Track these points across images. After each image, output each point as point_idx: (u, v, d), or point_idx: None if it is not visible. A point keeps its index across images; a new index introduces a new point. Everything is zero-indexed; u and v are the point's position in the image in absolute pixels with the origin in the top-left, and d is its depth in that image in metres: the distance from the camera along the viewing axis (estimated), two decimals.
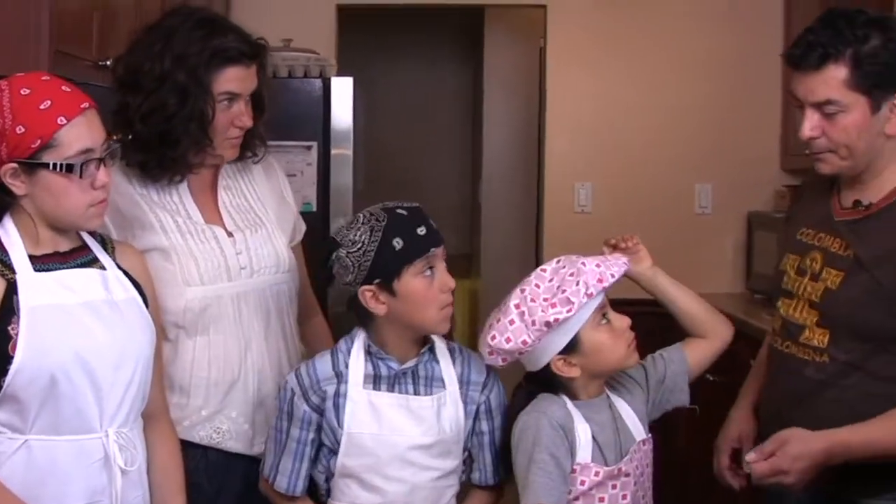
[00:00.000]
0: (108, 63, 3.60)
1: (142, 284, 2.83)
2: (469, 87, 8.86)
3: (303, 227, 3.49)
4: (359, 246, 2.85)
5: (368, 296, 2.89)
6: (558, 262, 2.88)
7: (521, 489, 2.83)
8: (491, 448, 3.04)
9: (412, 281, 2.87)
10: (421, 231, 2.87)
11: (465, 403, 3.00)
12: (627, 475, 2.88)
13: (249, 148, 3.29)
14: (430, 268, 2.89)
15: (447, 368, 3.00)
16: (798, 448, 2.75)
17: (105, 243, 2.82)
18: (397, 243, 2.84)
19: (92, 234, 2.79)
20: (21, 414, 2.59)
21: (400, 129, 8.78)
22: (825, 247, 2.99)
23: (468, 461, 3.05)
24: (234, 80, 3.10)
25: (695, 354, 3.09)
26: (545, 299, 2.81)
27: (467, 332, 8.14)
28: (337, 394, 2.93)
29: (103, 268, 2.75)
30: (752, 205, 6.54)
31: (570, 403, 2.89)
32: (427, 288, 2.89)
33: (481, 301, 7.73)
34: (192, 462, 3.01)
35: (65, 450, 2.63)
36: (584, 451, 2.85)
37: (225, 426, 3.17)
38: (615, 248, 3.10)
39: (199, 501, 2.99)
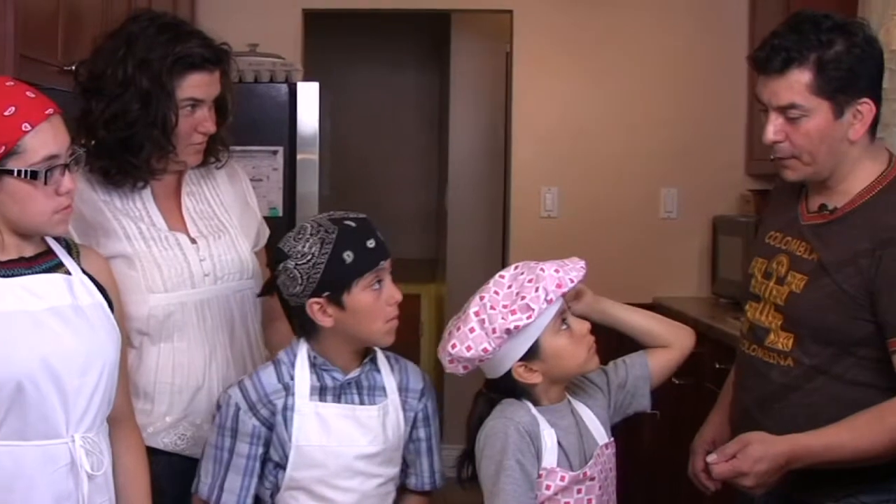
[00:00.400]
0: (73, 68, 3.59)
1: (107, 289, 2.81)
2: (435, 92, 8.85)
3: (266, 233, 3.48)
4: (308, 258, 2.84)
5: (316, 308, 2.89)
6: (516, 268, 2.88)
7: (489, 496, 2.82)
8: (428, 454, 3.07)
9: (361, 294, 2.87)
10: (370, 244, 2.87)
11: (405, 411, 3.01)
12: (592, 479, 2.89)
13: (213, 153, 3.29)
14: (379, 281, 2.89)
15: (388, 377, 3.02)
16: (759, 450, 2.75)
17: (70, 248, 2.81)
18: (348, 256, 2.83)
19: (57, 238, 2.77)
20: None
21: (366, 134, 8.77)
22: (791, 250, 3.00)
23: (404, 467, 3.06)
24: (197, 86, 3.10)
25: (657, 362, 3.09)
26: (504, 306, 2.81)
27: (434, 338, 8.11)
28: (285, 407, 2.91)
29: (68, 273, 2.73)
30: (717, 209, 6.55)
31: (534, 409, 2.89)
32: (375, 301, 2.89)
33: (447, 306, 7.71)
34: (157, 468, 2.99)
35: (31, 455, 2.61)
36: (550, 457, 2.85)
37: (189, 433, 3.16)
38: None
39: None
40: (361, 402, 2.96)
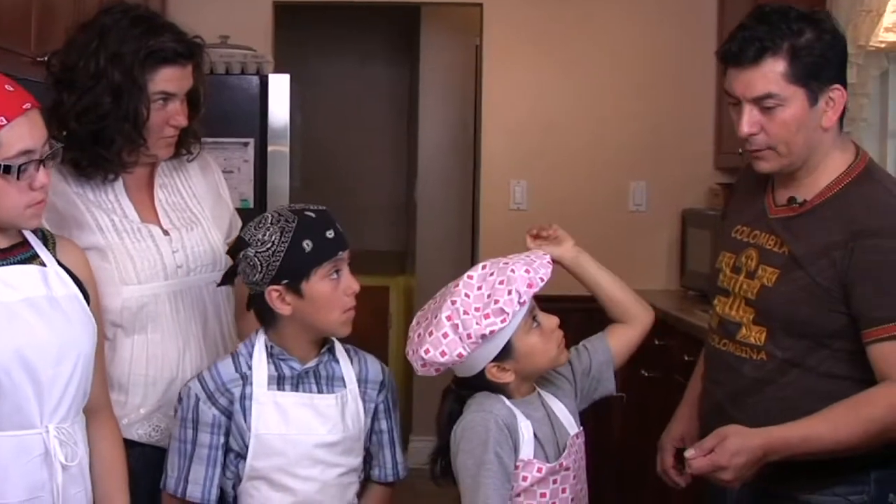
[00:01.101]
0: (46, 59, 3.59)
1: (83, 280, 2.81)
2: (405, 84, 8.84)
3: (239, 224, 3.47)
4: (268, 246, 2.86)
5: (275, 296, 2.91)
6: (484, 267, 2.88)
7: (468, 490, 2.81)
8: (390, 446, 3.10)
9: (319, 283, 2.89)
10: (329, 234, 2.89)
11: (364, 402, 3.04)
12: (567, 469, 2.90)
13: (184, 146, 3.29)
14: (337, 271, 2.92)
15: (346, 368, 3.04)
16: (737, 443, 2.73)
17: (46, 239, 2.81)
18: (307, 245, 2.86)
19: (34, 230, 2.77)
20: None
21: (335, 127, 8.75)
22: (760, 244, 3.00)
23: (366, 459, 3.08)
24: (169, 80, 3.10)
25: (617, 342, 3.10)
26: (477, 309, 2.81)
27: (403, 330, 8.07)
28: (243, 396, 2.94)
29: (43, 264, 2.73)
30: (686, 202, 6.60)
31: (508, 402, 2.90)
32: (333, 290, 2.91)
33: (416, 298, 7.71)
34: (131, 459, 2.98)
35: (4, 445, 2.61)
36: (527, 448, 2.86)
37: (163, 424, 3.16)
38: (537, 237, 3.13)
39: (136, 498, 2.96)
40: (319, 391, 2.98)
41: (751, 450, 2.73)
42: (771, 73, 2.85)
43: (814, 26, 2.87)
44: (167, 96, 3.10)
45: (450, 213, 7.81)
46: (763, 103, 2.87)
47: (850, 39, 4.88)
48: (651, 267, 6.66)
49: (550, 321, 2.92)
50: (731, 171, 6.29)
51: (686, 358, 5.25)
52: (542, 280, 2.83)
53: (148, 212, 3.23)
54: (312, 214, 2.91)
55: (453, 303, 2.83)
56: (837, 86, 2.89)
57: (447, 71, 7.84)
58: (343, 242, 2.93)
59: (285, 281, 2.88)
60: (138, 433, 3.14)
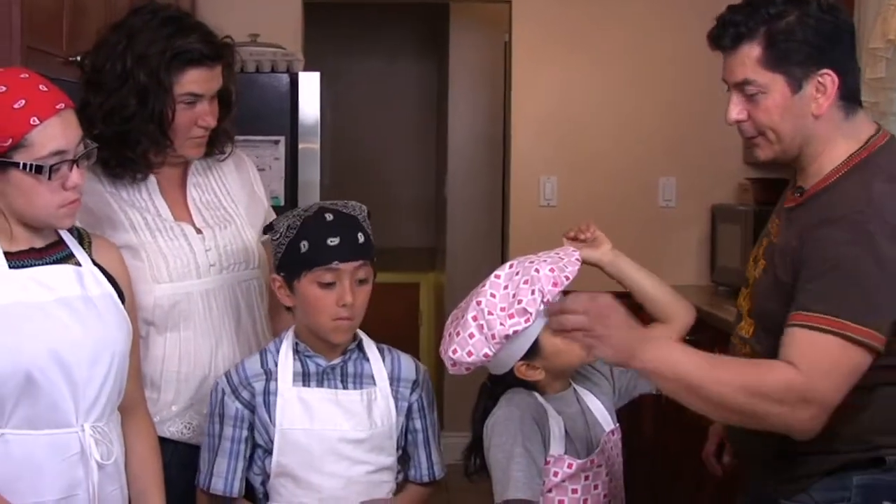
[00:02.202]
0: (79, 59, 3.61)
1: (118, 280, 2.83)
2: (434, 81, 8.84)
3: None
4: (276, 236, 2.91)
5: (277, 285, 2.96)
6: (511, 266, 2.88)
7: (498, 483, 2.82)
8: (425, 445, 3.09)
9: (308, 287, 2.90)
10: (332, 241, 2.87)
11: (396, 400, 3.04)
12: (599, 466, 2.91)
13: (216, 145, 3.30)
14: (333, 281, 2.90)
15: (377, 366, 3.04)
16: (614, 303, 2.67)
17: (82, 238, 2.82)
18: (303, 246, 2.87)
19: (70, 229, 2.78)
20: None
21: (365, 124, 8.76)
22: (771, 233, 2.93)
23: (403, 459, 3.09)
24: (196, 81, 3.11)
25: None
26: (502, 309, 2.81)
27: (433, 326, 8.15)
28: (266, 391, 2.96)
29: (78, 264, 2.75)
30: (715, 198, 6.58)
31: (540, 398, 2.91)
32: (321, 297, 2.90)
33: (447, 295, 7.72)
34: (164, 457, 3.00)
35: (41, 444, 2.63)
36: (558, 444, 2.87)
37: (195, 421, 3.18)
38: (574, 239, 3.11)
39: (170, 496, 2.98)
40: (345, 387, 3.00)
41: (631, 322, 2.68)
42: (747, 60, 2.78)
43: (799, 8, 2.75)
44: (194, 97, 3.11)
45: (479, 210, 7.81)
46: (745, 90, 2.80)
47: (878, 34, 4.87)
48: (681, 262, 6.64)
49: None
50: (760, 166, 6.27)
51: (716, 352, 5.23)
52: (567, 279, 2.82)
53: (181, 210, 3.25)
54: (330, 216, 2.90)
55: (479, 303, 2.83)
56: (827, 70, 2.75)
57: (476, 68, 7.84)
58: (347, 253, 2.90)
59: (283, 274, 2.93)
60: (170, 430, 3.16)
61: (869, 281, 2.61)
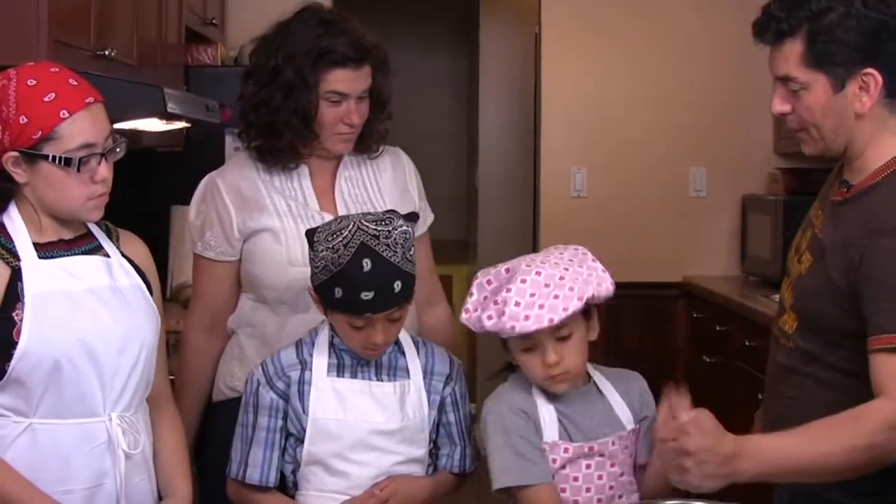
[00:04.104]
0: (107, 53, 3.63)
1: (145, 272, 2.85)
2: (465, 74, 8.83)
3: (429, 219, 3.57)
4: (315, 262, 2.87)
5: (312, 296, 2.94)
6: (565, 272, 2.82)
7: (489, 467, 2.87)
8: (460, 438, 3.08)
9: (341, 322, 2.89)
10: (366, 296, 2.81)
11: (429, 393, 3.03)
12: (602, 455, 2.86)
13: (368, 143, 3.41)
14: (362, 325, 2.88)
15: (412, 359, 3.03)
16: (710, 423, 2.48)
17: (110, 232, 2.85)
18: (337, 292, 2.83)
19: (98, 222, 2.81)
20: (26, 398, 2.61)
21: (396, 117, 8.67)
22: (815, 226, 2.85)
23: (435, 451, 3.08)
24: (340, 81, 3.25)
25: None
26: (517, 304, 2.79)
27: None
28: (301, 381, 2.95)
29: (107, 255, 2.77)
30: (746, 188, 6.57)
31: (534, 387, 2.89)
32: (352, 332, 2.89)
33: None
34: None
35: (68, 433, 2.65)
36: (551, 431, 2.85)
37: None
38: None
39: None
40: (379, 379, 2.99)
41: (720, 439, 2.47)
42: (791, 56, 2.70)
43: (844, 5, 2.66)
44: (340, 96, 3.25)
45: (511, 202, 7.80)
46: (788, 85, 2.73)
47: None
48: (712, 253, 6.61)
49: (550, 357, 2.83)
50: (791, 157, 6.26)
51: (747, 343, 5.22)
52: (532, 327, 2.75)
53: (328, 201, 3.36)
54: (367, 265, 2.81)
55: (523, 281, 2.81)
56: (870, 70, 2.66)
57: (507, 59, 7.83)
58: (380, 306, 2.84)
59: (319, 297, 2.91)
60: None
61: None
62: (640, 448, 2.93)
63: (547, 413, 2.87)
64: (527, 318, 2.74)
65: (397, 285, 2.85)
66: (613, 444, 2.88)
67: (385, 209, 3.25)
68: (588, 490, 2.86)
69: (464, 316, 2.88)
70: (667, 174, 6.65)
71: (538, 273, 2.79)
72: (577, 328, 2.83)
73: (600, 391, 2.96)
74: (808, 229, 2.89)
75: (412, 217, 2.98)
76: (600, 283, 2.82)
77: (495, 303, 2.80)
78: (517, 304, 2.75)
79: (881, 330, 2.56)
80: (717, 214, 6.66)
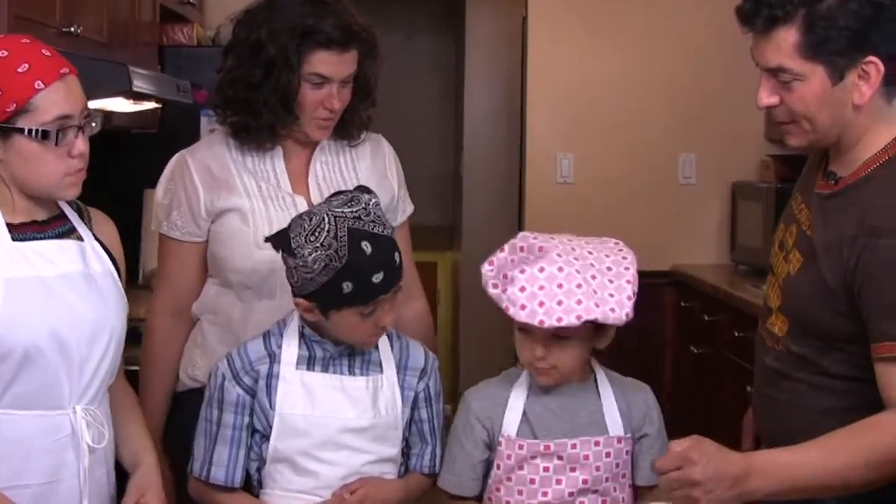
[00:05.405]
0: (73, 30, 3.53)
1: (114, 255, 2.80)
2: (451, 58, 8.83)
3: (408, 209, 3.49)
4: (307, 271, 2.76)
5: (301, 306, 2.84)
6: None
7: None
8: (431, 436, 3.01)
9: (349, 317, 2.81)
10: (377, 279, 2.76)
11: (403, 389, 2.96)
12: (560, 458, 2.77)
13: (349, 130, 3.33)
14: (374, 308, 2.82)
15: (385, 353, 2.96)
16: (713, 449, 2.41)
17: (81, 212, 2.79)
18: (346, 287, 2.75)
19: (68, 202, 2.75)
20: None
21: (381, 101, 8.60)
22: (801, 220, 2.73)
23: (406, 451, 3.01)
24: (323, 63, 3.15)
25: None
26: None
27: (451, 306, 8.13)
28: (269, 374, 2.88)
29: (80, 238, 2.71)
30: (736, 175, 6.55)
31: (524, 377, 2.85)
32: (360, 323, 2.82)
33: (462, 273, 7.68)
34: None
35: (30, 425, 2.58)
36: (511, 426, 2.81)
37: None
38: None
39: None
40: (351, 374, 2.91)
41: (727, 460, 2.40)
42: (784, 45, 2.53)
43: None
44: (322, 79, 3.16)
45: (496, 187, 7.80)
46: (778, 76, 2.58)
47: None
48: (701, 241, 6.60)
49: (536, 351, 2.78)
50: (783, 143, 6.16)
51: (736, 334, 5.20)
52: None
53: (300, 184, 3.29)
54: (367, 248, 2.76)
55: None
56: (872, 58, 2.52)
57: (493, 44, 7.82)
58: (390, 282, 2.80)
59: (314, 303, 2.81)
60: None
61: None
62: (639, 468, 2.83)
63: (515, 408, 2.82)
64: (523, 307, 2.68)
65: (396, 257, 2.82)
66: (574, 446, 2.78)
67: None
68: (545, 494, 2.79)
69: (486, 267, 2.79)
70: (655, 160, 6.62)
71: (560, 269, 2.70)
72: (578, 334, 2.75)
73: (598, 392, 2.86)
74: (793, 223, 2.77)
75: (366, 189, 2.91)
76: (615, 309, 2.70)
77: (505, 276, 2.74)
78: (522, 289, 2.69)
79: (886, 336, 2.48)
80: (706, 202, 6.64)
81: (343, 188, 3.22)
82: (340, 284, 2.75)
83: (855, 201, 2.58)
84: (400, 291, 2.88)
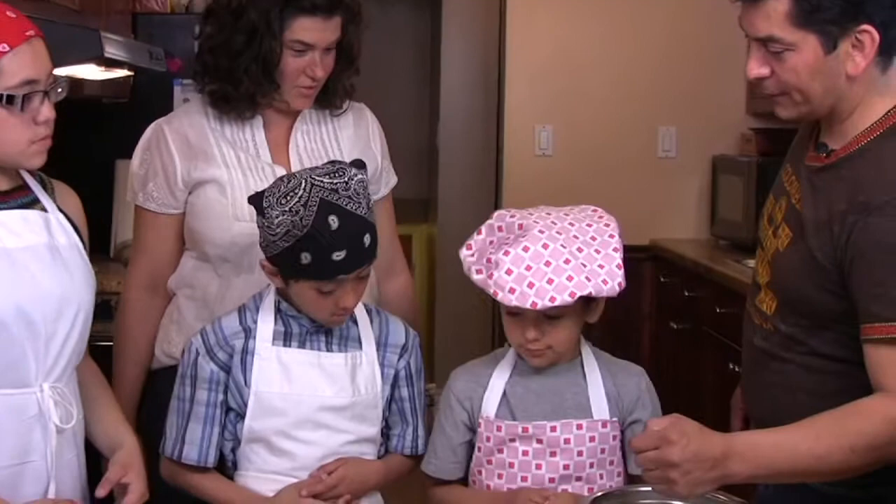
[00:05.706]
0: None
1: (79, 228, 2.72)
2: (427, 28, 8.79)
3: (391, 181, 3.46)
4: (272, 232, 2.72)
5: (267, 269, 2.80)
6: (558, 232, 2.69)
7: None
8: (412, 416, 2.96)
9: (306, 290, 2.76)
10: (337, 256, 2.70)
11: (383, 366, 2.91)
12: (540, 442, 2.72)
13: (332, 99, 3.27)
14: (334, 288, 2.75)
15: (365, 329, 2.91)
16: (693, 429, 2.34)
17: (45, 183, 2.71)
18: (304, 258, 2.70)
19: (31, 172, 2.67)
20: None
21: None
22: (791, 193, 2.66)
23: (386, 431, 2.96)
24: (306, 30, 3.10)
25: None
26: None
27: (426, 281, 8.08)
28: (245, 350, 2.83)
29: (45, 210, 2.64)
30: (717, 148, 6.53)
31: (510, 356, 2.79)
32: (319, 299, 2.77)
33: (438, 246, 7.64)
34: None
35: None
36: (490, 407, 2.76)
37: None
38: None
39: None
40: (328, 350, 2.86)
41: (707, 441, 2.34)
42: (774, 14, 2.46)
43: None
44: (305, 46, 3.11)
45: (473, 159, 7.74)
46: (769, 46, 2.50)
47: None
48: (680, 215, 6.60)
49: (529, 333, 2.71)
50: (764, 117, 6.22)
51: (717, 310, 5.18)
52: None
53: (281, 154, 3.25)
54: (334, 223, 2.69)
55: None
56: (866, 26, 2.44)
57: (470, 14, 7.75)
58: (352, 265, 2.72)
59: (276, 267, 2.77)
60: None
61: None
62: (632, 456, 2.71)
63: (495, 388, 2.77)
64: (512, 291, 2.62)
65: (367, 239, 2.74)
66: (554, 429, 2.73)
67: None
68: (524, 479, 2.73)
69: (464, 252, 2.74)
70: (635, 133, 6.60)
71: (545, 246, 2.64)
72: (571, 310, 2.69)
73: (584, 373, 2.79)
74: (782, 196, 2.70)
75: (360, 164, 2.85)
76: (607, 281, 2.65)
77: (488, 260, 2.68)
78: (508, 272, 2.63)
79: (876, 318, 2.41)
80: (686, 175, 6.62)
81: (324, 157, 3.19)
82: (299, 254, 2.70)
83: (847, 176, 2.52)
84: (368, 276, 2.82)
